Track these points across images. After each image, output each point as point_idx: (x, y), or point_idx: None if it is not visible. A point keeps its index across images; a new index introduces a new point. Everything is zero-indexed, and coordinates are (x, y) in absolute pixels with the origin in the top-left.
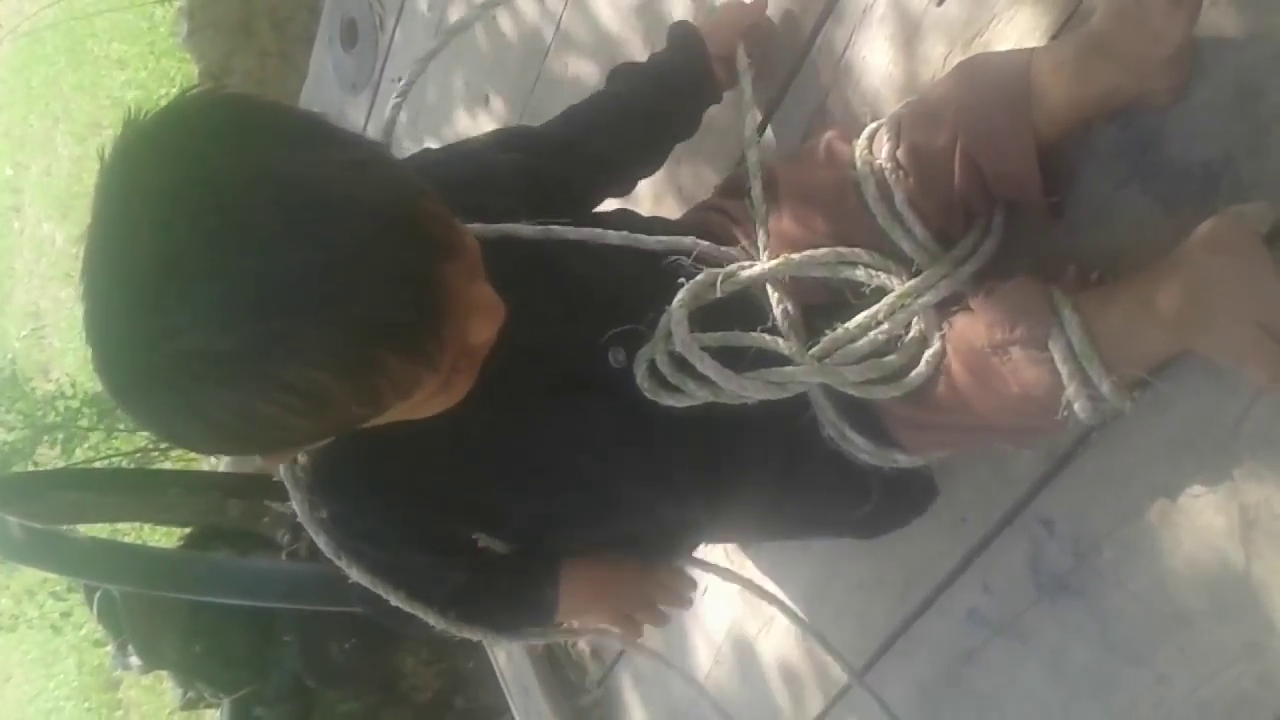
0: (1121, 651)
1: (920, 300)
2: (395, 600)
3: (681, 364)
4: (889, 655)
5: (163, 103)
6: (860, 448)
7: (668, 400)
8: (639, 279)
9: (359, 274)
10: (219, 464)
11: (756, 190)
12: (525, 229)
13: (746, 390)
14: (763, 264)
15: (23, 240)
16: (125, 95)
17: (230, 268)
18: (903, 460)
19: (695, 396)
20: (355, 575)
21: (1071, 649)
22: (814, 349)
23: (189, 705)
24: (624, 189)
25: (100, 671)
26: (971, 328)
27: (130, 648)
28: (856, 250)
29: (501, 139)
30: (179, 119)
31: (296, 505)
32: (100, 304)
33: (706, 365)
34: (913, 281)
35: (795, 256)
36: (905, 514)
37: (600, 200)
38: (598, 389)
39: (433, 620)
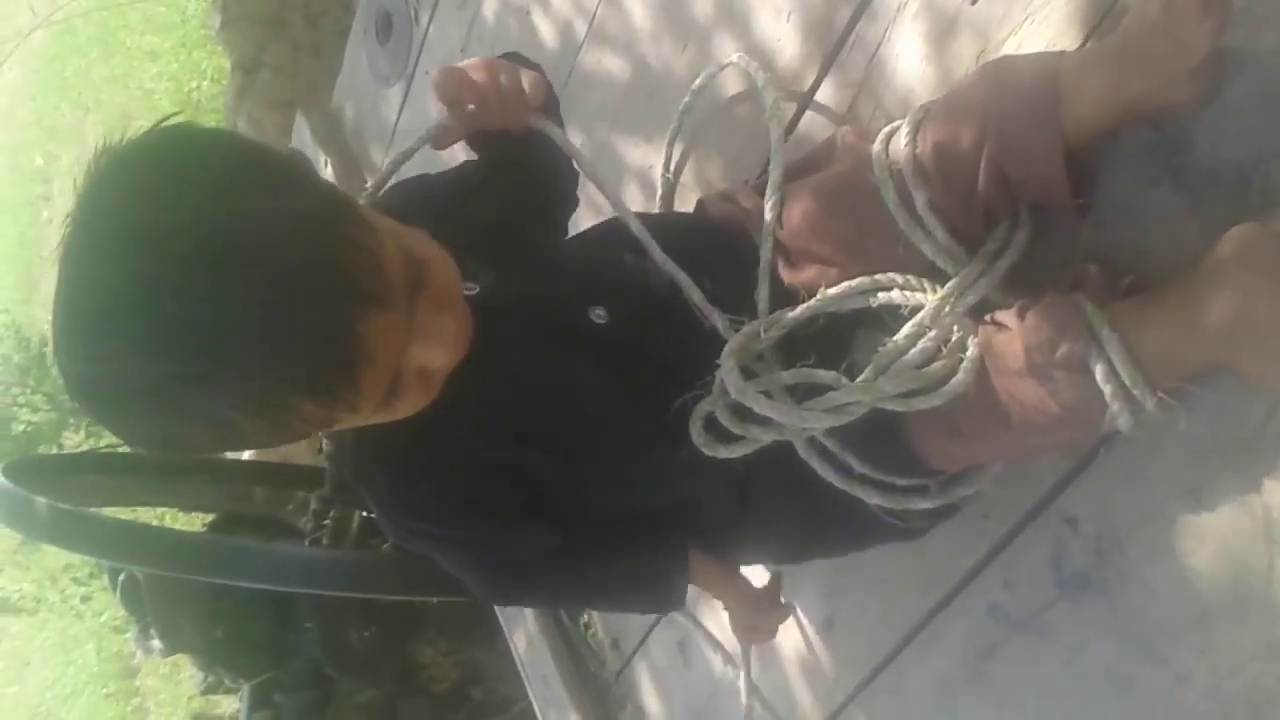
0: (1142, 650)
1: (964, 300)
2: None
3: (740, 411)
4: (909, 649)
5: (193, 94)
6: (874, 485)
7: (725, 453)
8: (612, 247)
9: (274, 330)
10: (243, 452)
11: (769, 218)
12: None
13: (809, 422)
14: (803, 306)
15: (51, 229)
16: (156, 87)
17: (156, 311)
18: (920, 504)
19: (760, 440)
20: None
21: (1092, 646)
22: (868, 370)
23: (209, 690)
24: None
25: (119, 658)
26: (1009, 349)
27: (152, 631)
28: (891, 275)
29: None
30: (140, 155)
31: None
32: (55, 320)
33: (766, 407)
34: (953, 282)
35: (832, 291)
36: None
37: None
38: (585, 343)
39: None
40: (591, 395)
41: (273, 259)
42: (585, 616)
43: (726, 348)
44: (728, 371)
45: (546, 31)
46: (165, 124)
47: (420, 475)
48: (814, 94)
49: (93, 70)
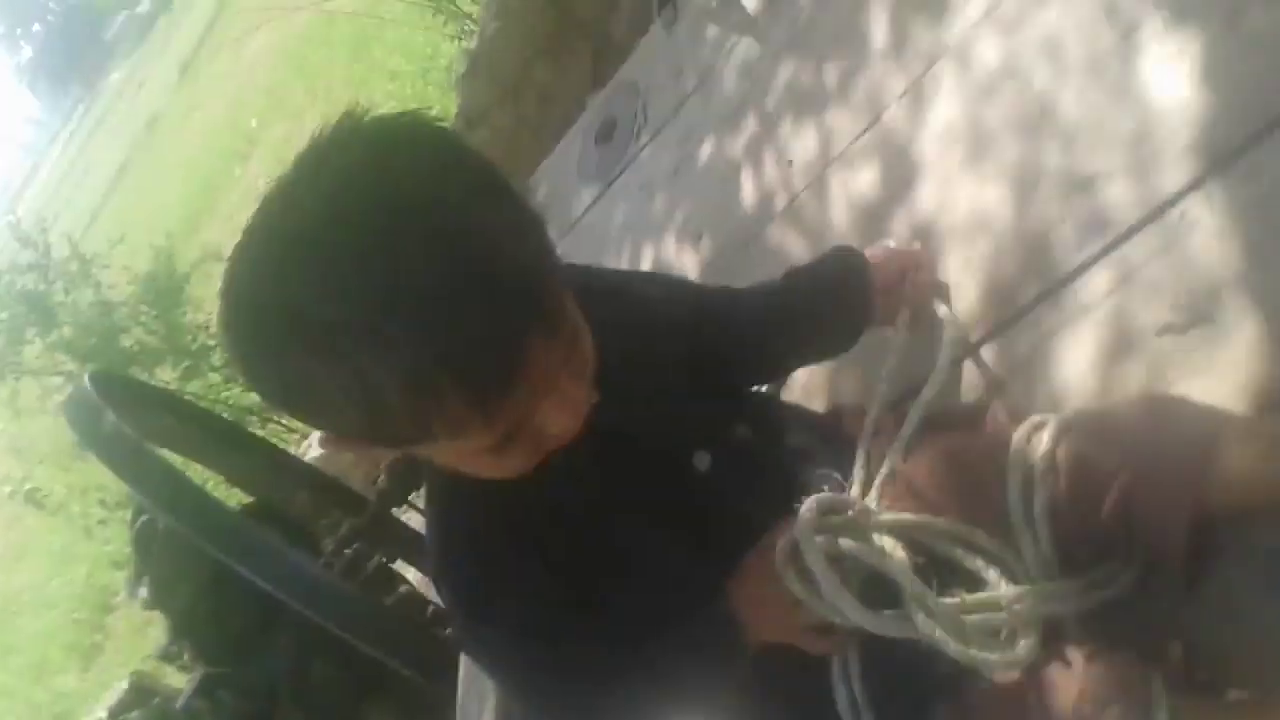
0: None
1: (1041, 607)
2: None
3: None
4: None
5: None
6: None
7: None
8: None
9: (461, 313)
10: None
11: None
12: None
13: (846, 611)
14: (879, 515)
15: (237, 186)
16: (384, 104)
17: (363, 256)
18: None
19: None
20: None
21: None
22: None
23: (166, 657)
24: (770, 378)
25: (103, 591)
26: (1063, 685)
27: (146, 580)
28: (978, 533)
29: (674, 288)
30: (394, 127)
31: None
32: (248, 243)
33: (818, 566)
34: (1039, 586)
35: (910, 517)
36: None
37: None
38: (680, 487)
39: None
40: (666, 540)
41: (485, 249)
42: None
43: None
44: (805, 520)
45: (748, 192)
46: (415, 110)
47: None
48: (975, 350)
49: (334, 66)
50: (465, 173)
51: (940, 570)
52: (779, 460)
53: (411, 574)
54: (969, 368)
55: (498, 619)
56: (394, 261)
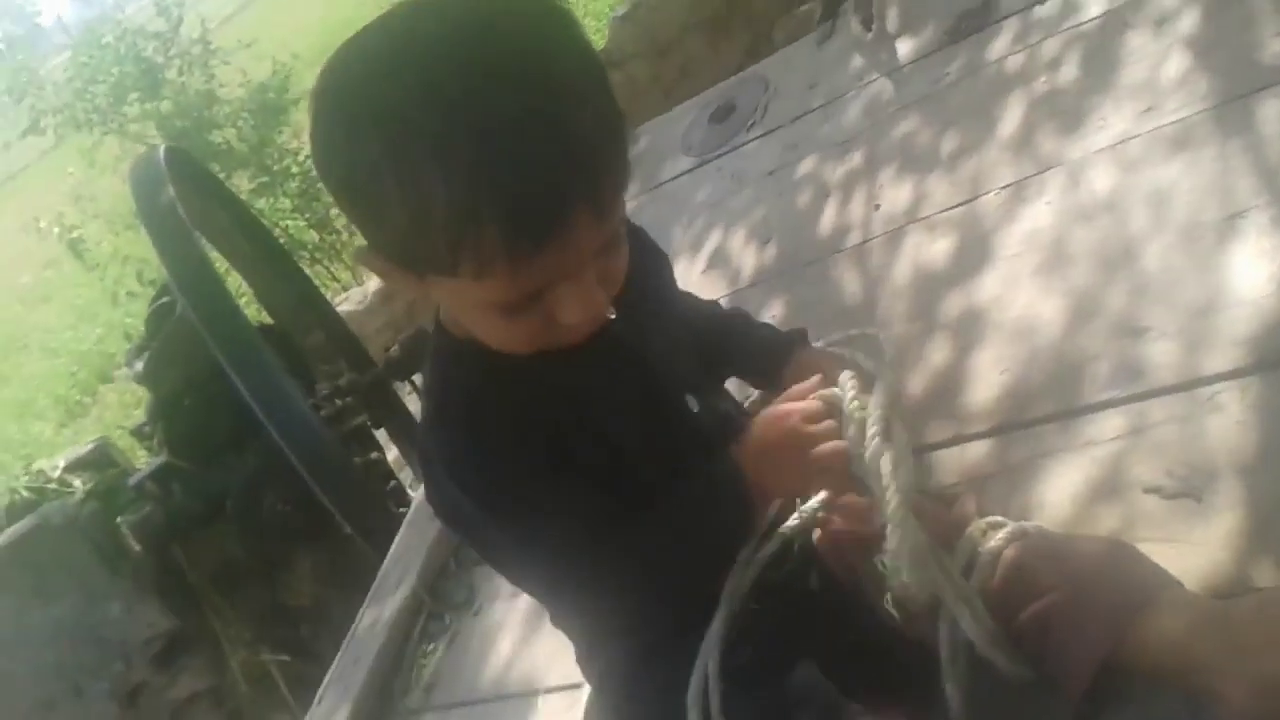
0: None
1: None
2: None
3: None
4: None
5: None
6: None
7: None
8: None
9: (530, 150)
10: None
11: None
12: None
13: None
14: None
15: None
16: None
17: (467, 86)
18: None
19: None
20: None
21: None
22: None
23: (139, 435)
24: None
25: (108, 360)
26: None
27: (146, 355)
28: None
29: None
30: None
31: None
32: (375, 30)
33: None
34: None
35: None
36: None
37: None
38: (671, 419)
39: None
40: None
41: (572, 116)
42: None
43: None
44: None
45: (828, 219)
46: None
47: (506, 423)
48: (960, 444)
49: None
50: (579, 46)
51: None
52: None
53: (391, 454)
54: (955, 455)
55: (490, 468)
56: (489, 92)
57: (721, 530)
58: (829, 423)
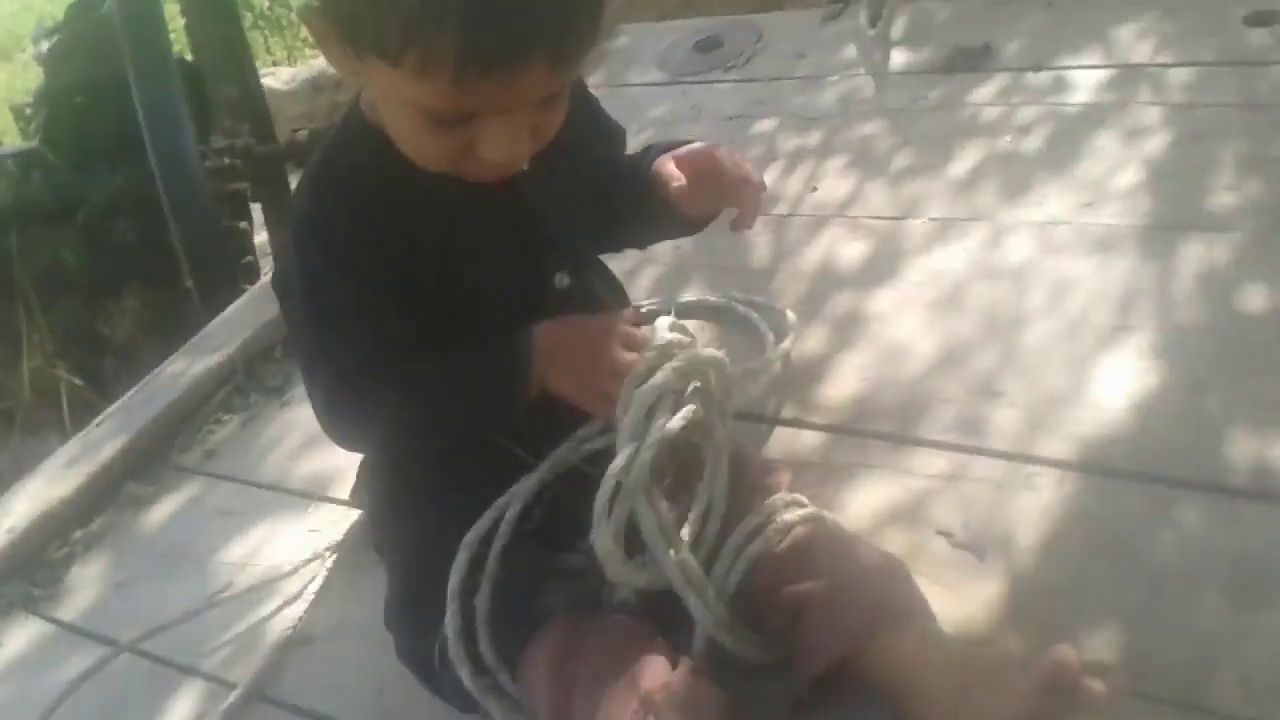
0: None
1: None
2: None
3: None
4: None
5: None
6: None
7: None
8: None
9: None
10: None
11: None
12: None
13: None
14: None
15: None
16: None
17: None
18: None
19: None
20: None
21: None
22: None
23: (17, 114)
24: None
25: (14, 40)
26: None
27: (54, 40)
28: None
29: (617, 137)
30: None
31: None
32: None
33: None
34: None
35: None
36: None
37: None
38: (541, 290)
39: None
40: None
41: None
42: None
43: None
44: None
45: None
46: None
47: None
48: (797, 427)
49: None
50: None
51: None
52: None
53: (260, 238)
54: (789, 435)
55: (333, 244)
56: None
57: (475, 403)
58: (634, 355)
